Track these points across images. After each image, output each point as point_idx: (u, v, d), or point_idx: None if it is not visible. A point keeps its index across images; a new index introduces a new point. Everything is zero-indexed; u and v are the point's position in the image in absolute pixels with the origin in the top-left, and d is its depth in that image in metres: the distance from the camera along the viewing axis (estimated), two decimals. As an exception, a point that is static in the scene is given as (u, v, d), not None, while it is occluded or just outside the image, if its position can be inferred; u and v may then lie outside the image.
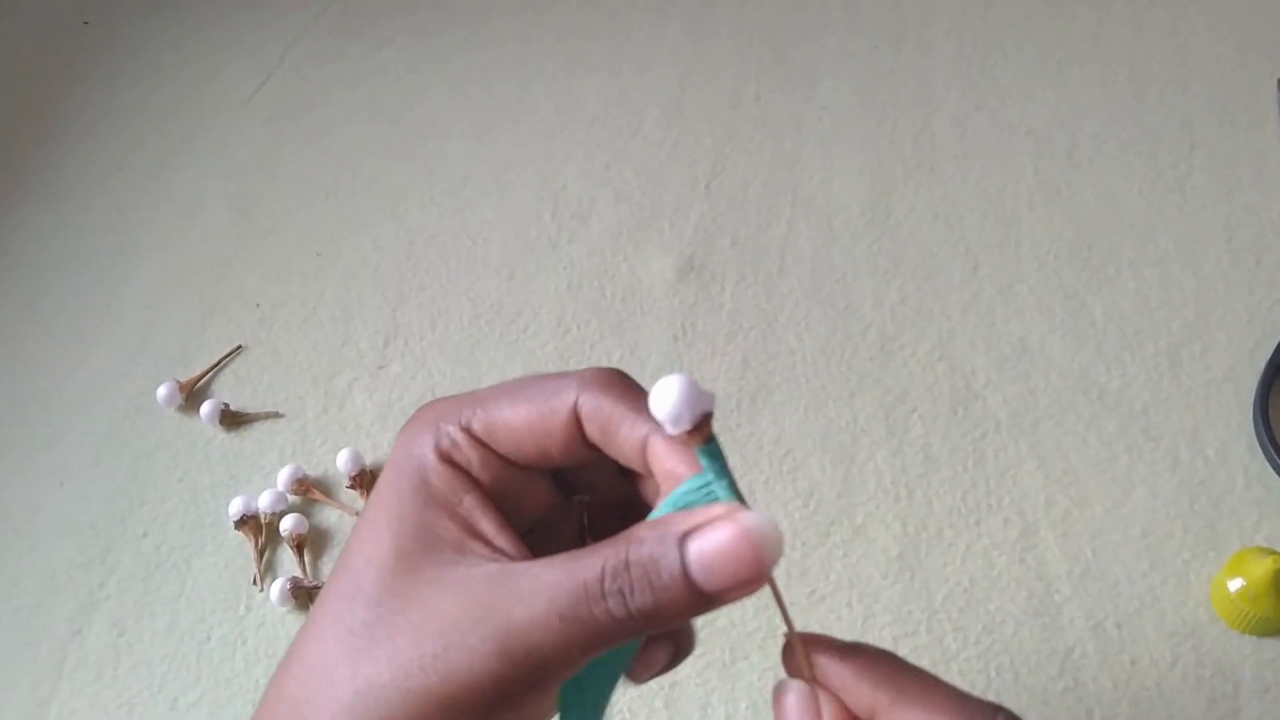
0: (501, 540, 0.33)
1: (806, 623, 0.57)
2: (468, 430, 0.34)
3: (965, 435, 0.64)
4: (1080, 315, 0.68)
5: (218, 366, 0.73)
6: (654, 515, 0.32)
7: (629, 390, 0.34)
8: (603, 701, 0.36)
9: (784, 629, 0.33)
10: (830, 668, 0.32)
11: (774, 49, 0.89)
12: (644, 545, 0.30)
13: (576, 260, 0.76)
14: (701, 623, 0.58)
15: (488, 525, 0.33)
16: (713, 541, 0.29)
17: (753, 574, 0.29)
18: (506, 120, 0.88)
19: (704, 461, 0.31)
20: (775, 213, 0.77)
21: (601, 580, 0.30)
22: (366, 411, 0.70)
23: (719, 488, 0.31)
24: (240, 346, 0.74)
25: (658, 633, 0.32)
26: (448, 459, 0.34)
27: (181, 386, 0.71)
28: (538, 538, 0.35)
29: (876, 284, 0.71)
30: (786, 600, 0.33)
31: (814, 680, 0.33)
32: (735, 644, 0.57)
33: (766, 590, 0.34)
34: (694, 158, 0.82)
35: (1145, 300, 0.68)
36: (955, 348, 0.68)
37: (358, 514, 0.65)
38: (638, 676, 0.36)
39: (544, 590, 0.30)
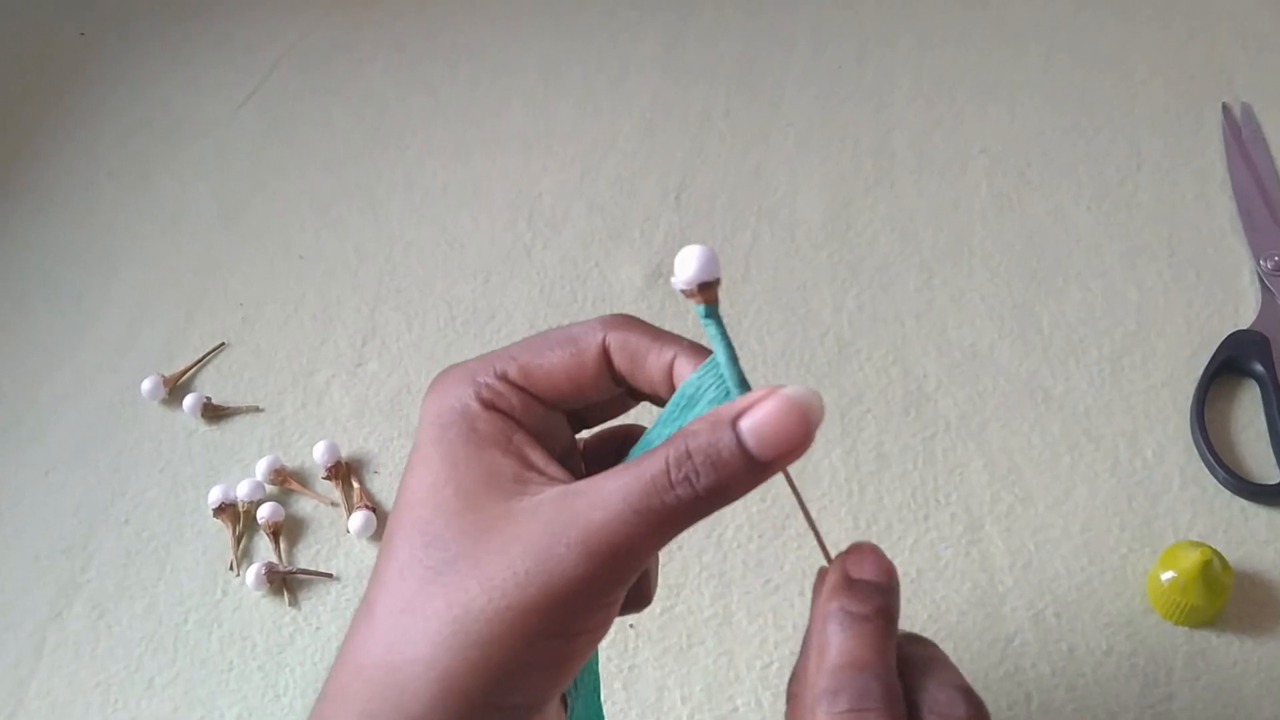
0: (553, 470, 0.36)
1: (760, 610, 0.60)
2: (504, 378, 0.37)
3: (916, 435, 0.66)
4: (1028, 323, 0.71)
5: (201, 362, 0.75)
6: (670, 404, 0.36)
7: (648, 326, 0.37)
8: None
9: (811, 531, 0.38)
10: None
11: (742, 68, 0.93)
12: (699, 435, 0.33)
13: (549, 266, 0.79)
14: (659, 609, 0.60)
15: (538, 457, 0.36)
16: (761, 415, 0.33)
17: (802, 436, 0.33)
18: (485, 132, 0.91)
19: (706, 325, 0.35)
20: (740, 223, 0.80)
21: (668, 473, 0.33)
22: (344, 407, 0.72)
23: (722, 358, 0.35)
24: (223, 344, 0.77)
25: (725, 506, 0.34)
26: (490, 405, 0.36)
27: (165, 381, 0.73)
28: (565, 470, 0.37)
29: (835, 292, 0.74)
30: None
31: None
32: (692, 630, 0.59)
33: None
34: (664, 170, 0.85)
35: (1090, 310, 0.71)
36: (909, 353, 0.70)
37: (333, 504, 0.67)
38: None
39: (615, 493, 0.33)
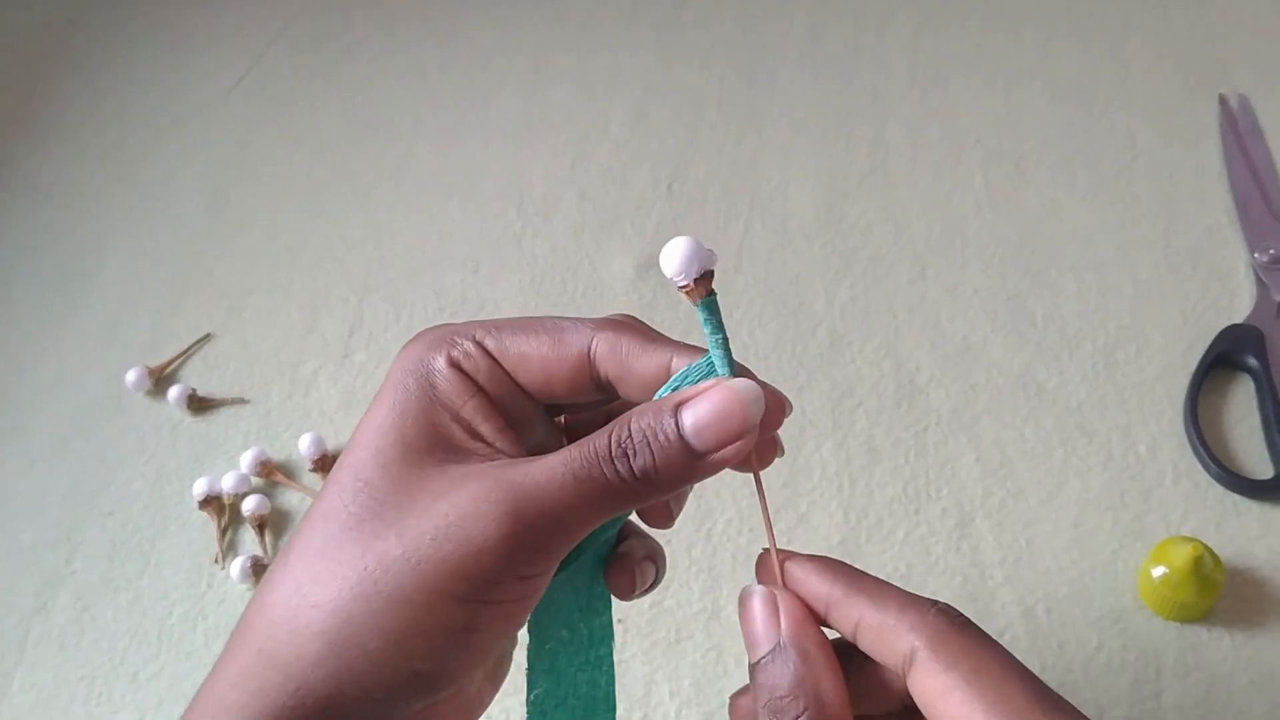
0: (502, 443, 0.36)
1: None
2: (480, 345, 0.36)
3: (908, 429, 0.66)
4: (1022, 316, 0.70)
5: (187, 353, 0.75)
6: (661, 390, 0.35)
7: (642, 330, 0.37)
8: (569, 632, 0.39)
9: (766, 536, 0.38)
10: (795, 570, 0.37)
11: (736, 56, 0.92)
12: (644, 416, 0.33)
13: (540, 256, 0.78)
14: (648, 603, 0.60)
15: (489, 429, 0.36)
16: (702, 405, 0.33)
17: (738, 429, 0.33)
18: (475, 120, 0.90)
19: (702, 316, 0.35)
20: (733, 214, 0.79)
21: (609, 445, 0.33)
22: (330, 398, 0.71)
23: (713, 348, 0.35)
24: (209, 334, 0.76)
25: (659, 495, 0.34)
26: (455, 365, 0.36)
27: (150, 372, 0.72)
28: (519, 447, 0.37)
29: (828, 284, 0.74)
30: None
31: (782, 583, 0.37)
32: (680, 624, 0.59)
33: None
34: (656, 160, 0.84)
35: (1084, 303, 0.71)
36: (901, 346, 0.70)
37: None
38: (626, 593, 0.39)
39: (558, 459, 0.33)
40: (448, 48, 0.98)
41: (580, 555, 0.38)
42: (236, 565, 0.62)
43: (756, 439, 0.34)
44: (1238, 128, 0.79)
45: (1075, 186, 0.78)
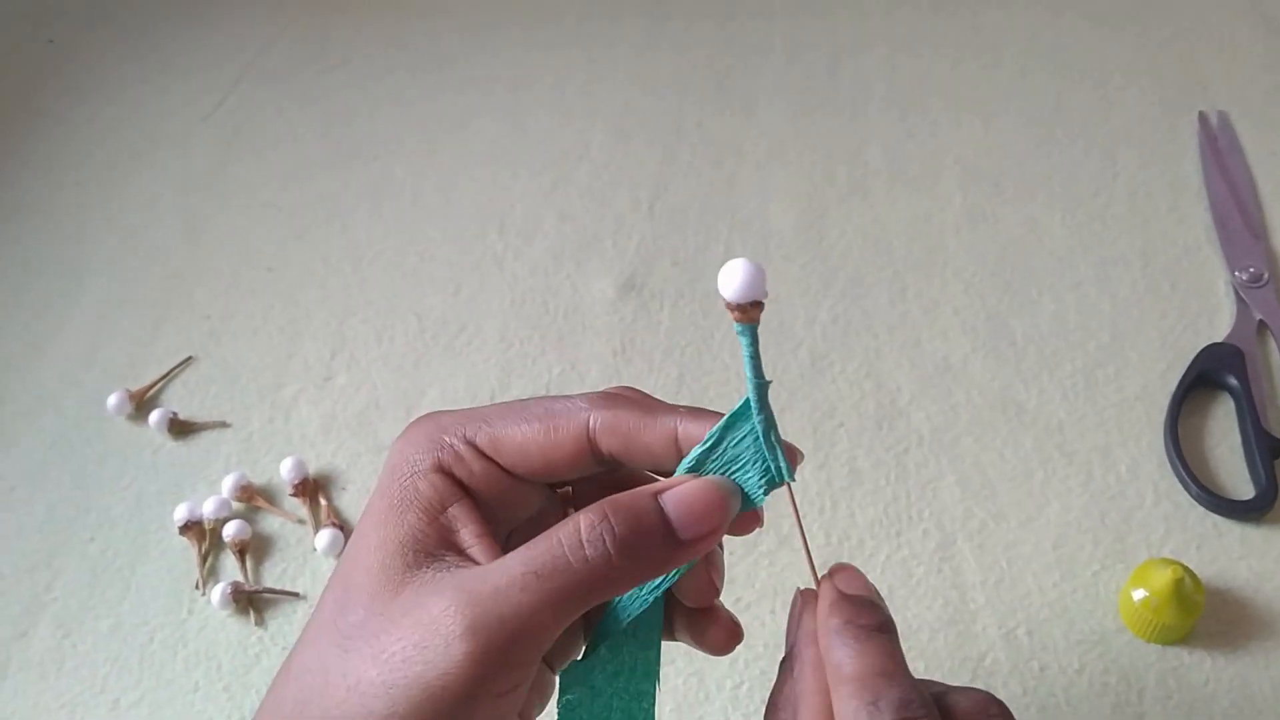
0: (476, 550, 0.35)
1: (732, 628, 0.59)
2: (471, 444, 0.36)
3: (889, 450, 0.66)
4: (1001, 336, 0.71)
5: (167, 377, 0.74)
6: (697, 449, 0.35)
7: (639, 401, 0.37)
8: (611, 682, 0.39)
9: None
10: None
11: (715, 78, 0.92)
12: (621, 500, 0.33)
13: (521, 277, 0.78)
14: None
15: (467, 534, 0.35)
16: (685, 491, 0.33)
17: (720, 519, 0.34)
18: (455, 141, 0.90)
19: (743, 342, 0.34)
20: (713, 234, 0.79)
21: (579, 532, 0.32)
22: (312, 422, 0.71)
23: (753, 376, 0.35)
24: (190, 357, 0.76)
25: (626, 587, 0.34)
26: (441, 468, 0.36)
27: (131, 396, 0.72)
28: (526, 533, 0.36)
29: (808, 304, 0.74)
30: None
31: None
32: (663, 649, 0.59)
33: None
34: (637, 181, 0.84)
35: (1064, 322, 0.71)
36: (882, 366, 0.70)
37: (300, 521, 0.66)
38: (718, 647, 0.40)
39: (514, 560, 0.32)
40: (427, 71, 0.98)
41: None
42: (217, 592, 0.62)
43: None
44: (1216, 145, 0.80)
45: (1054, 205, 0.78)
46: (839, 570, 0.37)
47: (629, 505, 0.33)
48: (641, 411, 0.36)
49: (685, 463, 0.36)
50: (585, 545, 0.32)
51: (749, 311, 0.33)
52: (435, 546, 0.35)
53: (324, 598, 0.35)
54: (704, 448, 0.35)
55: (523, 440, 0.36)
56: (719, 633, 0.39)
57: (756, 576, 0.61)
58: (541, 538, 0.33)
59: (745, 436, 0.35)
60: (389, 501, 0.36)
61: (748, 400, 0.35)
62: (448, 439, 0.36)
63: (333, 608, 0.34)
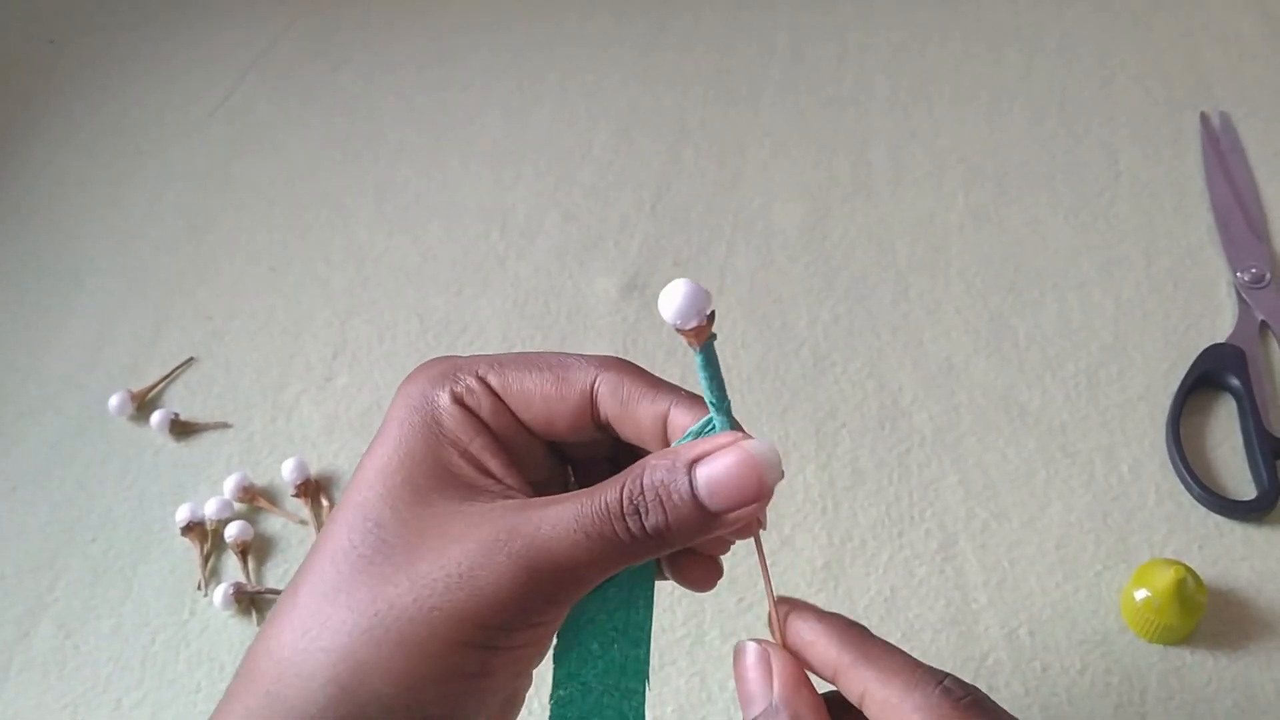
0: (511, 479, 0.35)
1: (734, 630, 0.59)
2: (483, 381, 0.36)
3: (891, 450, 0.66)
4: (1004, 336, 0.71)
5: (169, 377, 0.74)
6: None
7: (645, 373, 0.37)
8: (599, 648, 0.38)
9: (766, 594, 0.37)
10: (805, 629, 0.36)
11: (718, 76, 0.92)
12: (656, 471, 0.33)
13: (523, 278, 0.78)
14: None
15: (497, 466, 0.35)
16: (719, 465, 0.32)
17: (754, 494, 0.33)
18: (457, 139, 0.90)
19: (699, 361, 0.34)
20: (716, 234, 0.79)
21: (621, 501, 0.32)
22: (314, 422, 0.71)
23: (709, 394, 0.34)
24: (192, 358, 0.76)
25: (673, 550, 0.34)
26: (460, 401, 0.36)
27: (133, 396, 0.72)
28: (526, 484, 0.36)
29: (811, 304, 0.74)
30: (770, 568, 0.37)
31: (783, 642, 0.36)
32: (664, 649, 0.59)
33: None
34: (639, 180, 0.84)
35: (1067, 322, 0.71)
36: (884, 366, 0.70)
37: (302, 522, 0.66)
38: (698, 583, 0.39)
39: (569, 512, 0.32)
40: (430, 69, 0.98)
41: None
42: (219, 592, 0.62)
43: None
44: (1219, 146, 0.80)
45: (1057, 205, 0.78)
46: (795, 609, 0.37)
47: (661, 483, 0.33)
48: (643, 384, 0.36)
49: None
50: (625, 518, 0.32)
51: (697, 332, 0.33)
52: (471, 475, 0.35)
53: (333, 526, 0.34)
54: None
55: (529, 387, 0.36)
56: (698, 568, 0.38)
57: (758, 577, 0.61)
58: (590, 495, 0.33)
59: None
60: (410, 431, 0.35)
61: (711, 420, 0.35)
62: (461, 375, 0.36)
63: (349, 535, 0.34)
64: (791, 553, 0.62)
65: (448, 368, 0.37)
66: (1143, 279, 0.73)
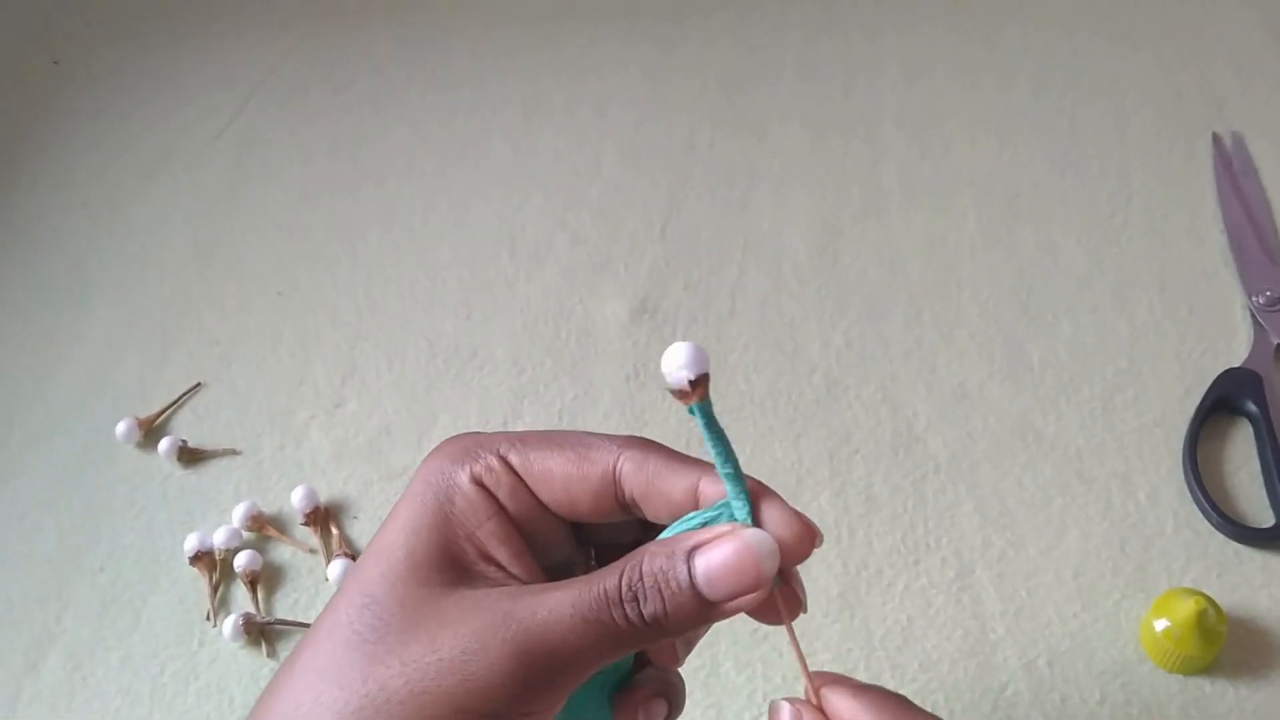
0: (516, 568, 0.35)
1: (749, 661, 0.59)
2: (504, 459, 0.36)
3: (906, 477, 0.65)
4: (1018, 361, 0.70)
5: (177, 403, 0.74)
6: (666, 534, 0.35)
7: (669, 450, 0.36)
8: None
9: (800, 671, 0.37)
10: (841, 703, 0.35)
11: (727, 98, 0.92)
12: (655, 559, 0.33)
13: (533, 301, 0.78)
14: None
15: (504, 553, 0.35)
16: (717, 555, 0.33)
17: (752, 583, 0.33)
18: (466, 162, 0.90)
19: (699, 421, 0.34)
20: (726, 256, 0.79)
21: (620, 588, 0.32)
22: (323, 449, 0.71)
23: (716, 458, 0.34)
24: (199, 384, 0.75)
25: (670, 638, 0.34)
26: (478, 481, 0.36)
27: (140, 423, 0.72)
28: (550, 579, 0.36)
29: (823, 328, 0.73)
30: (800, 643, 0.36)
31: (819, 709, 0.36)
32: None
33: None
34: (649, 202, 0.84)
35: (1081, 346, 0.70)
36: (898, 391, 0.69)
37: (311, 551, 0.66)
38: None
39: (567, 597, 0.32)
40: (437, 91, 0.97)
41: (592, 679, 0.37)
42: (229, 623, 0.62)
43: (774, 586, 0.34)
44: (1231, 166, 0.79)
45: (1070, 227, 0.77)
46: (829, 683, 0.36)
47: (660, 571, 0.33)
48: (668, 459, 0.36)
49: (679, 523, 0.35)
50: (624, 605, 0.32)
51: (692, 392, 0.33)
52: (474, 561, 0.35)
53: (336, 600, 0.34)
54: (707, 515, 0.35)
55: (550, 466, 0.36)
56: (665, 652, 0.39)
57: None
58: (588, 581, 0.33)
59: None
60: (421, 509, 0.35)
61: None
62: (482, 454, 0.36)
63: (348, 611, 0.34)
64: (807, 581, 0.60)
65: (470, 444, 0.37)
66: (1156, 302, 0.72)
